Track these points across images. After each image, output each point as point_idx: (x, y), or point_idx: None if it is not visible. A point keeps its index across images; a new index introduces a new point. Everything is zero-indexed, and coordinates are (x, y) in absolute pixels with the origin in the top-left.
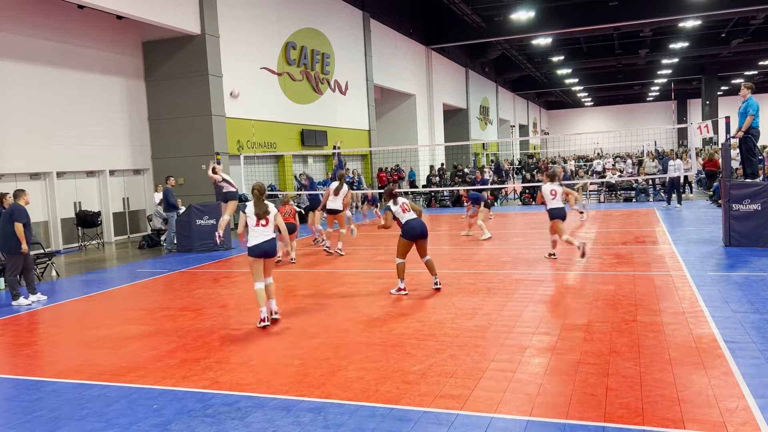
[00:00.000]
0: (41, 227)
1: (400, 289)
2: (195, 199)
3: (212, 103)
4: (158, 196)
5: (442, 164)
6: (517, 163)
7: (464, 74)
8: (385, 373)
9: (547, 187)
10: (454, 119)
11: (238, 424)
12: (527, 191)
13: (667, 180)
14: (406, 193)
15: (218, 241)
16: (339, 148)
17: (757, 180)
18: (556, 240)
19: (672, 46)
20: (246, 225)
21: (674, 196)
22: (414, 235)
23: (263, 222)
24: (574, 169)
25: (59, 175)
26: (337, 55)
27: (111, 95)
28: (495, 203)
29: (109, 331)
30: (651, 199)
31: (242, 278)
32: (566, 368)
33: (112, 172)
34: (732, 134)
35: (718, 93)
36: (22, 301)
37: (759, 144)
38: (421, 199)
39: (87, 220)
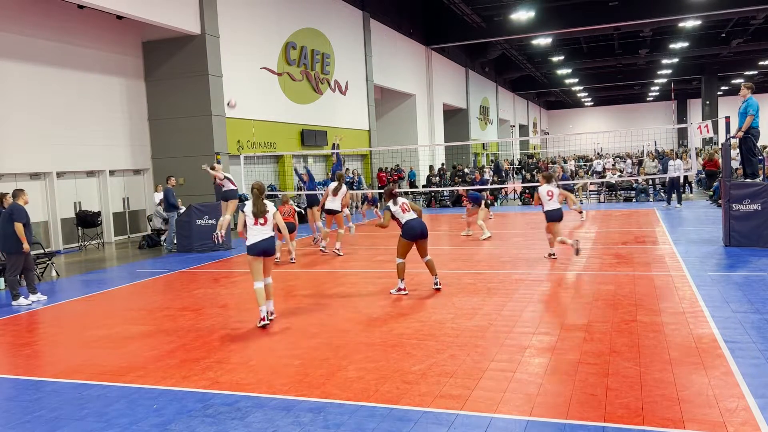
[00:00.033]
0: (41, 227)
1: (400, 289)
2: (195, 199)
3: (212, 103)
4: (158, 196)
5: (443, 164)
6: (517, 163)
7: (464, 74)
8: (385, 373)
9: (543, 189)
10: (454, 119)
11: (238, 424)
12: (527, 191)
13: (667, 180)
14: (405, 193)
15: (219, 241)
16: (338, 146)
17: (757, 180)
18: (564, 240)
19: (672, 46)
20: (245, 224)
21: (674, 196)
22: (414, 235)
23: (261, 221)
24: (574, 169)
25: (59, 175)
26: (337, 55)
27: (111, 95)
28: (495, 203)
29: (109, 331)
30: (651, 199)
31: (242, 278)
32: (566, 368)
33: (112, 172)
34: (732, 134)
35: (718, 93)
36: (22, 301)
37: (759, 144)
38: (421, 199)
39: (87, 220)
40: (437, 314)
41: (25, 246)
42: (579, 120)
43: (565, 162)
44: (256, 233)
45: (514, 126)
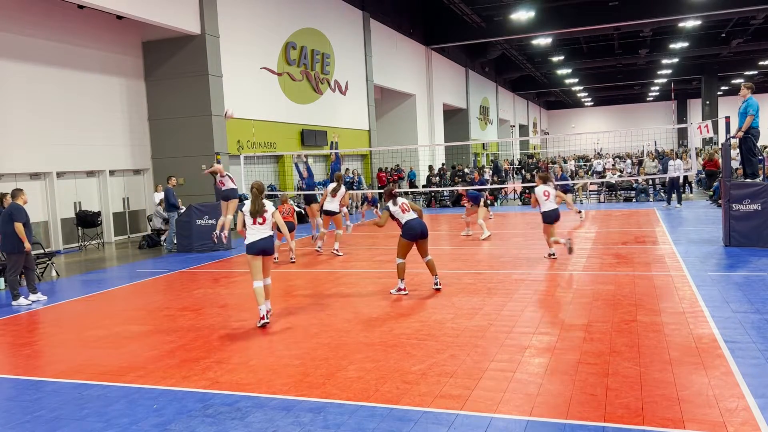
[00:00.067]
0: (41, 227)
1: (400, 289)
2: (195, 199)
3: (212, 103)
4: (158, 195)
5: (443, 164)
6: (517, 163)
7: (464, 74)
8: (385, 373)
9: (540, 189)
10: (454, 119)
11: (238, 424)
12: (527, 191)
13: (667, 180)
14: (405, 194)
15: (224, 241)
16: (337, 145)
17: (757, 180)
18: (557, 240)
19: (672, 46)
20: (245, 223)
21: (674, 196)
22: (414, 235)
23: (260, 221)
24: (574, 169)
25: (59, 175)
26: (337, 55)
27: (111, 95)
28: (495, 203)
29: (109, 331)
30: (651, 199)
31: (242, 278)
32: (566, 368)
33: (112, 172)
34: (732, 134)
35: (718, 93)
36: (22, 301)
37: (759, 144)
38: (421, 200)
39: (87, 220)
40: (437, 314)
41: (27, 245)
42: (579, 120)
43: (565, 162)
44: (255, 232)
45: (514, 126)
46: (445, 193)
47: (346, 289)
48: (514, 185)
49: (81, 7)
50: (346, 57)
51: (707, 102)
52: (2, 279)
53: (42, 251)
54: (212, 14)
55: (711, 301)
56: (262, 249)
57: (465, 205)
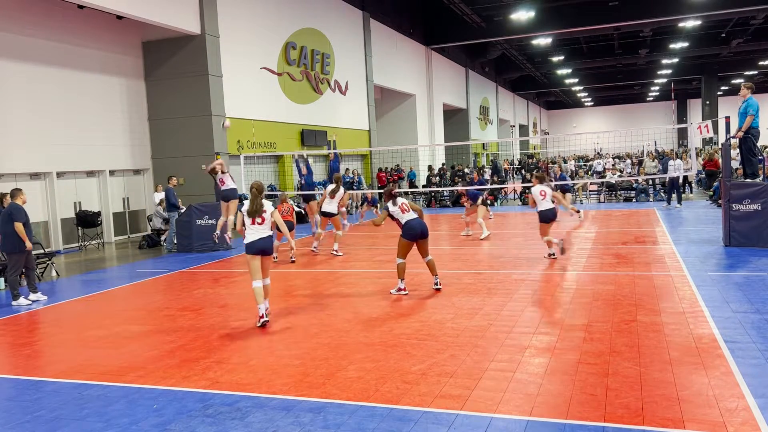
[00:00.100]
0: (41, 227)
1: (400, 289)
2: (195, 199)
3: (212, 103)
4: (158, 195)
5: (443, 164)
6: (517, 163)
7: (464, 74)
8: (385, 373)
9: (536, 189)
10: (454, 119)
11: (238, 424)
12: (527, 191)
13: (667, 180)
14: (405, 194)
15: (228, 242)
16: (335, 145)
17: (757, 180)
18: (550, 240)
19: (672, 46)
20: (244, 223)
21: (674, 196)
22: (414, 235)
23: (259, 220)
24: (574, 169)
25: (59, 175)
26: (337, 55)
27: (111, 95)
28: (495, 203)
29: (109, 331)
30: (651, 199)
31: (242, 278)
32: (566, 368)
33: (112, 172)
34: (732, 134)
35: (718, 93)
36: (22, 301)
37: (759, 144)
38: (421, 199)
39: (87, 220)
40: (437, 314)
41: (28, 244)
42: (579, 120)
43: (565, 162)
44: (254, 232)
45: (514, 126)
46: (445, 193)
47: (346, 289)
48: (514, 185)
49: (81, 7)
50: (346, 57)
51: (707, 102)
52: (2, 279)
53: (42, 251)
54: (212, 14)
55: (711, 301)
56: (261, 249)
57: (465, 204)
